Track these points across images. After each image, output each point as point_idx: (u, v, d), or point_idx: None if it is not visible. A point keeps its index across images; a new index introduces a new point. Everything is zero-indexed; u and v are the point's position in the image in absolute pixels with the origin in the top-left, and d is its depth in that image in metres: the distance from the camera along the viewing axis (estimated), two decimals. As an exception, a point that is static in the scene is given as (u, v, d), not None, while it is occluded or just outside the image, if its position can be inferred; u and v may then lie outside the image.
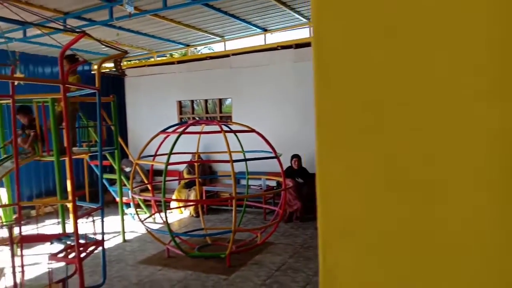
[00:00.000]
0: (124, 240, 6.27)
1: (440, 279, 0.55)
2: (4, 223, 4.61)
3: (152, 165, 6.21)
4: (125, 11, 5.57)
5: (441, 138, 0.53)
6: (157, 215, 6.55)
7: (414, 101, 0.53)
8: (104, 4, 5.93)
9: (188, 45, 9.32)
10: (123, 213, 6.36)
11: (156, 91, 9.32)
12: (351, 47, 0.55)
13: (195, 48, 11.78)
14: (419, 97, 0.53)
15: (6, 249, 4.45)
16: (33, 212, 7.79)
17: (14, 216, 5.77)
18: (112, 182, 7.89)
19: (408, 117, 0.54)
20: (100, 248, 4.06)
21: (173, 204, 7.72)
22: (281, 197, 5.88)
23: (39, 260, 5.29)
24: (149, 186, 6.63)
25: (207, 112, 9.50)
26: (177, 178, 8.31)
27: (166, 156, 5.08)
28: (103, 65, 5.69)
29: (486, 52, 0.52)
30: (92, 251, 3.83)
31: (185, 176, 8.12)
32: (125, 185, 7.04)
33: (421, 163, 0.54)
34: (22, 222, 4.19)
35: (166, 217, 5.14)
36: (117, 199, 6.74)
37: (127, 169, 8.19)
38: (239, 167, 6.45)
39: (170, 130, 5.74)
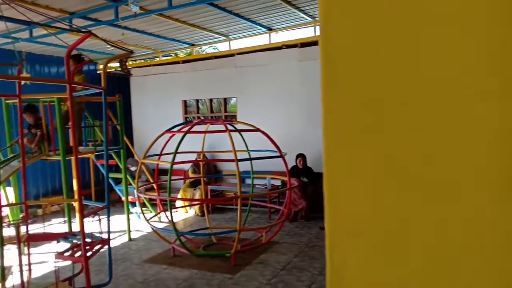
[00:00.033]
0: (130, 239, 6.29)
1: (446, 278, 0.55)
2: (12, 222, 4.64)
3: (158, 164, 6.23)
4: (131, 11, 5.59)
5: (446, 138, 0.53)
6: (162, 214, 6.57)
7: (422, 101, 0.53)
8: (110, 4, 5.95)
9: (193, 45, 9.33)
10: (128, 212, 6.39)
11: (161, 91, 9.35)
12: (358, 46, 0.55)
13: (200, 48, 11.80)
14: (427, 97, 0.53)
15: (14, 248, 4.49)
16: (40, 211, 7.84)
17: (21, 215, 5.81)
18: (117, 181, 7.92)
19: (415, 116, 0.54)
20: (106, 247, 4.08)
21: (178, 203, 7.73)
22: (286, 196, 5.87)
23: (46, 259, 5.32)
24: (154, 185, 6.65)
25: (212, 111, 9.51)
26: (182, 177, 8.33)
27: (171, 155, 5.09)
28: (109, 64, 5.71)
29: (486, 53, 0.51)
30: (98, 250, 3.85)
31: (190, 175, 8.14)
32: (130, 184, 7.07)
33: (427, 163, 0.54)
34: (29, 221, 4.22)
35: (171, 216, 5.16)
36: (123, 198, 6.77)
37: (133, 168, 8.22)
38: (244, 166, 6.45)
39: (175, 129, 5.76)
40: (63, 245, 4.01)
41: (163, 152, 6.00)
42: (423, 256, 0.56)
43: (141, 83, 9.64)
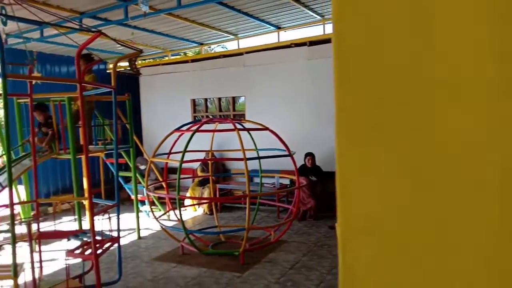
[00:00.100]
0: (139, 237, 6.34)
1: (459, 279, 0.55)
2: (23, 220, 4.70)
3: (167, 163, 6.26)
4: (140, 10, 5.62)
5: (462, 138, 0.53)
6: (171, 212, 6.60)
7: (436, 100, 0.53)
8: (120, 4, 5.98)
9: (201, 44, 9.35)
10: (138, 211, 6.43)
11: (170, 90, 9.38)
12: (370, 44, 0.55)
13: (209, 47, 11.82)
14: (441, 96, 0.53)
15: (25, 245, 4.55)
16: (50, 209, 7.93)
17: (32, 213, 5.88)
18: (127, 179, 7.98)
19: (428, 115, 0.54)
20: (116, 244, 4.11)
21: (187, 202, 7.77)
22: (294, 195, 5.87)
23: (57, 256, 5.38)
24: (163, 184, 6.68)
25: (220, 110, 9.53)
26: (191, 176, 8.37)
27: (180, 154, 5.11)
28: (118, 64, 5.75)
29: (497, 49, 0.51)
30: (108, 248, 3.88)
31: (199, 174, 8.16)
32: (140, 182, 7.12)
33: (440, 162, 0.54)
34: (40, 218, 4.27)
35: (180, 214, 5.18)
36: (132, 196, 6.81)
37: (142, 167, 8.27)
38: (253, 165, 6.46)
39: (184, 128, 5.78)
40: (74, 243, 4.05)
41: (172, 151, 6.03)
42: (435, 255, 0.55)
43: (150, 82, 9.69)
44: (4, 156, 5.19)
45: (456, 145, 0.54)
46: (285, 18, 7.65)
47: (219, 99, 9.33)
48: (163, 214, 6.44)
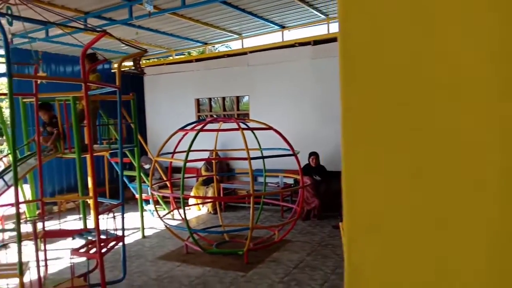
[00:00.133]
0: (144, 236, 6.36)
1: (468, 280, 0.54)
2: (28, 219, 4.73)
3: (171, 162, 6.28)
4: (145, 10, 5.64)
5: (468, 137, 0.53)
6: (175, 211, 6.62)
7: (444, 99, 0.53)
8: (124, 3, 6.00)
9: (205, 43, 9.36)
10: (142, 210, 6.45)
11: (174, 89, 9.40)
12: (376, 42, 0.55)
13: (213, 46, 11.84)
14: (448, 95, 0.53)
15: (30, 244, 4.57)
16: (55, 208, 7.97)
17: (37, 212, 5.92)
18: (131, 179, 8.00)
19: (434, 114, 0.54)
20: (120, 243, 4.13)
21: (191, 201, 7.78)
22: (298, 195, 5.86)
23: (62, 255, 5.41)
24: (167, 183, 6.70)
25: (224, 109, 9.54)
26: (195, 175, 8.38)
27: (184, 154, 5.13)
28: (123, 63, 5.77)
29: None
30: (112, 247, 3.90)
31: (203, 173, 8.18)
32: (144, 182, 7.14)
33: (446, 162, 0.54)
34: (45, 217, 4.30)
35: (184, 213, 5.19)
36: (137, 195, 6.84)
37: (146, 166, 8.30)
38: (257, 164, 6.46)
39: (188, 127, 5.79)
40: (79, 242, 4.07)
41: (176, 150, 6.04)
42: (441, 255, 0.55)
43: (154, 81, 9.71)
44: (10, 155, 5.23)
45: (461, 144, 0.53)
46: (289, 17, 7.64)
47: (223, 98, 9.34)
48: (167, 213, 6.45)
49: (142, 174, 6.91)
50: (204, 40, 9.08)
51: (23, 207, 6.03)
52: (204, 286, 4.41)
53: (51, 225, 6.10)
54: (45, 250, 4.32)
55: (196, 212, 8.00)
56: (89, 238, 3.97)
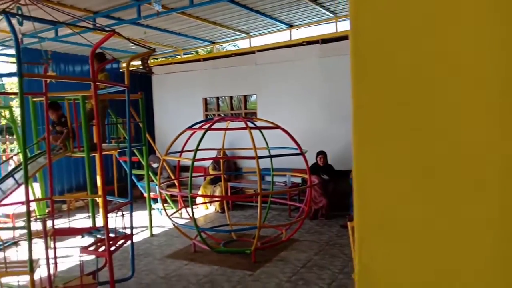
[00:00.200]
0: (152, 235, 6.39)
1: (477, 280, 0.54)
2: (38, 217, 4.77)
3: (179, 161, 6.30)
4: (153, 9, 5.66)
5: (481, 136, 0.52)
6: (183, 210, 6.64)
7: (455, 97, 0.52)
8: (132, 3, 6.03)
9: (213, 42, 9.37)
10: (150, 208, 6.48)
11: (182, 88, 9.43)
12: (387, 40, 0.54)
13: (221, 45, 11.83)
14: (460, 93, 0.52)
15: (40, 242, 4.62)
16: (64, 207, 8.04)
17: (47, 210, 5.98)
18: (140, 177, 8.05)
19: (444, 114, 0.53)
20: (129, 242, 4.15)
21: (199, 200, 7.81)
22: (306, 194, 5.85)
23: (71, 253, 5.46)
24: (175, 182, 6.73)
25: (232, 108, 9.55)
26: (203, 174, 8.40)
27: (192, 153, 5.14)
28: (131, 63, 5.80)
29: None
30: (121, 245, 3.92)
31: (211, 172, 8.20)
32: (152, 180, 7.17)
33: (458, 161, 0.53)
34: (55, 215, 4.34)
35: (192, 212, 5.21)
36: (145, 194, 6.87)
37: (155, 165, 8.34)
38: (264, 163, 6.46)
39: (196, 126, 5.81)
40: (88, 240, 4.10)
41: (184, 149, 6.06)
42: (450, 255, 0.55)
43: (162, 81, 9.75)
44: (20, 154, 5.29)
45: (471, 143, 0.53)
46: (297, 16, 7.62)
47: (231, 97, 9.35)
48: (175, 212, 6.48)
49: (150, 173, 6.95)
50: (212, 39, 9.09)
51: (33, 205, 6.10)
52: (211, 285, 4.42)
53: (61, 223, 6.15)
54: (54, 248, 4.35)
55: (204, 211, 8.03)
56: (98, 236, 3.99)
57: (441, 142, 0.54)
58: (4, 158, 7.82)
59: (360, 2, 0.55)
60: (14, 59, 8.16)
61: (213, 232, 6.11)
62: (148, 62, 9.57)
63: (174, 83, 9.55)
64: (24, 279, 3.78)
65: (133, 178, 7.67)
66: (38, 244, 5.12)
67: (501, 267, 0.53)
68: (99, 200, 5.87)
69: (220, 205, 7.75)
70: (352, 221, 3.23)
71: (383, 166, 0.56)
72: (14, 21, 3.29)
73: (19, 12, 4.24)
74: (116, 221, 3.92)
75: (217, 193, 7.63)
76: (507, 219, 0.52)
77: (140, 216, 7.22)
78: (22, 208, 3.80)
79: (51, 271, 3.87)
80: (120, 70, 9.89)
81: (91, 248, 3.78)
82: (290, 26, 8.18)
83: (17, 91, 3.23)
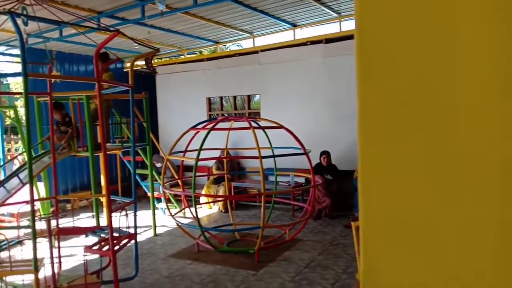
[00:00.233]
0: (155, 234, 6.40)
1: (479, 277, 0.54)
2: (43, 216, 4.79)
3: (182, 160, 6.31)
4: (157, 9, 5.67)
5: (490, 136, 0.52)
6: (187, 210, 6.65)
7: (461, 97, 0.52)
8: (136, 3, 6.04)
9: (217, 42, 9.38)
10: (154, 208, 6.49)
11: (186, 88, 9.45)
12: (393, 40, 0.54)
13: (224, 45, 11.84)
14: (466, 93, 0.52)
15: (45, 241, 4.64)
16: (69, 206, 8.07)
17: (51, 209, 6.00)
18: (143, 177, 8.07)
19: (450, 113, 0.53)
20: (133, 241, 4.16)
21: (202, 199, 7.82)
22: (310, 194, 5.85)
23: (75, 252, 5.48)
24: (179, 181, 6.74)
25: (235, 108, 9.55)
26: (206, 173, 8.41)
27: (196, 152, 5.15)
28: (135, 62, 5.81)
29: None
30: (125, 244, 3.93)
31: (214, 172, 8.20)
32: (156, 180, 7.19)
33: (465, 162, 0.53)
34: (59, 215, 4.35)
35: (196, 212, 5.21)
36: (149, 193, 6.88)
37: (158, 165, 8.35)
38: (268, 163, 6.45)
39: (200, 126, 5.81)
40: (92, 239, 4.12)
41: (188, 149, 6.07)
42: (456, 255, 0.55)
43: (166, 80, 9.77)
44: (25, 154, 5.31)
45: (471, 143, 0.53)
46: (301, 16, 7.61)
47: (234, 97, 9.35)
48: (178, 212, 6.49)
49: (154, 173, 6.96)
50: (216, 39, 9.10)
51: (37, 205, 6.12)
52: (215, 285, 4.42)
53: (65, 222, 6.17)
54: (59, 247, 4.37)
55: (207, 210, 8.03)
56: (102, 235, 4.00)
57: (446, 142, 0.54)
58: (9, 157, 7.86)
59: (366, 2, 0.54)
60: (19, 59, 8.20)
61: (216, 232, 6.11)
62: (152, 62, 9.58)
63: (177, 83, 9.56)
64: (29, 278, 3.80)
65: (137, 177, 7.70)
66: (43, 243, 5.15)
67: (502, 267, 0.53)
68: (103, 199, 5.89)
69: (224, 204, 7.75)
70: (356, 221, 3.22)
71: (388, 166, 0.56)
72: (19, 21, 3.31)
73: (24, 12, 4.26)
74: (120, 220, 3.93)
75: (221, 192, 7.63)
76: (507, 219, 0.52)
77: (144, 216, 7.24)
78: (27, 207, 3.82)
79: (56, 270, 3.89)
80: (124, 70, 9.91)
81: (95, 247, 3.80)
82: (294, 25, 8.17)
83: (22, 91, 3.25)
